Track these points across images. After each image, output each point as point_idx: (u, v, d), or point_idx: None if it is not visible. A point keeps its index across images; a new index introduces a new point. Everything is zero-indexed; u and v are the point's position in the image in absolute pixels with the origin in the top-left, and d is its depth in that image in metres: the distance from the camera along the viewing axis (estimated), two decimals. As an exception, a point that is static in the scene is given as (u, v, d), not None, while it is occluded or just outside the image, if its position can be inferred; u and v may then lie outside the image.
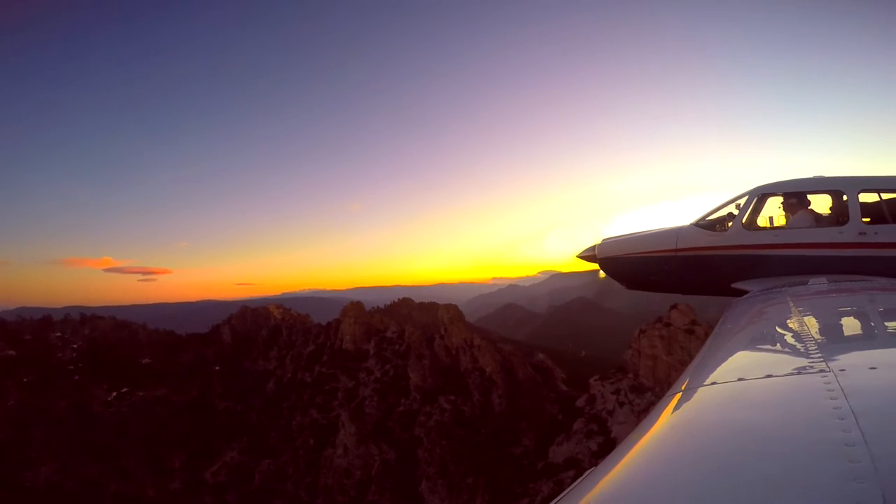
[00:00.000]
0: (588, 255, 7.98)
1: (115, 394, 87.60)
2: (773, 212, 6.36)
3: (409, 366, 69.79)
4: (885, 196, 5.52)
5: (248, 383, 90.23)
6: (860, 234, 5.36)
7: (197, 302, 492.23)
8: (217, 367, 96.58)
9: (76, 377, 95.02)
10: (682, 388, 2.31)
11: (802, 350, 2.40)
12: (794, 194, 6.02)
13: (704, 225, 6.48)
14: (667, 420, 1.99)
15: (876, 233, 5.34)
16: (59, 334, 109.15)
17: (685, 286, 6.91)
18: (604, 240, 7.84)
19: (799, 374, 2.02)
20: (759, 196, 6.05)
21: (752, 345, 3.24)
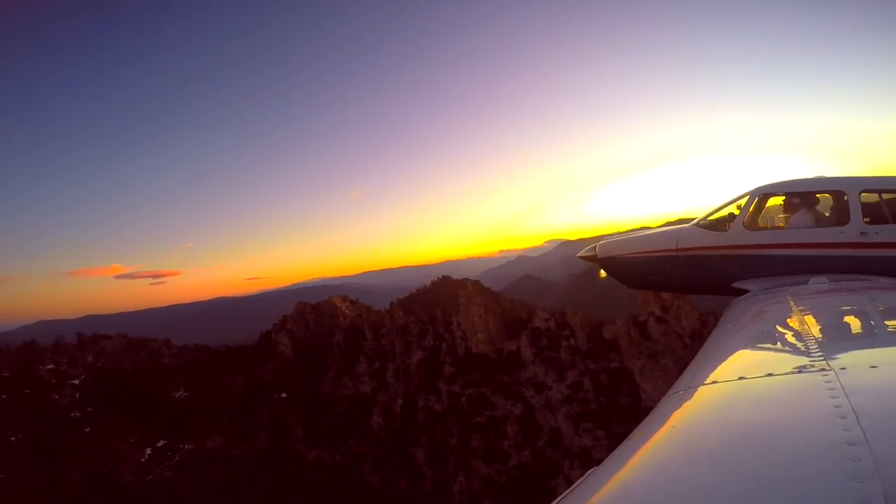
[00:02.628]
0: (589, 256, 7.82)
1: (149, 451, 60.89)
2: (774, 212, 6.36)
3: (639, 370, 43.53)
4: (886, 196, 5.51)
5: (339, 417, 63.79)
6: (861, 234, 5.33)
7: (210, 300, 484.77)
8: (283, 395, 69.90)
9: (86, 429, 67.43)
10: (683, 387, 2.29)
11: (803, 349, 2.38)
12: (796, 194, 5.95)
13: (705, 225, 6.39)
14: (668, 419, 1.97)
15: (877, 233, 5.32)
16: (50, 366, 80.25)
17: (686, 286, 7.00)
18: (604, 240, 7.76)
19: (800, 372, 2.01)
20: (761, 196, 5.98)
21: (752, 344, 3.25)
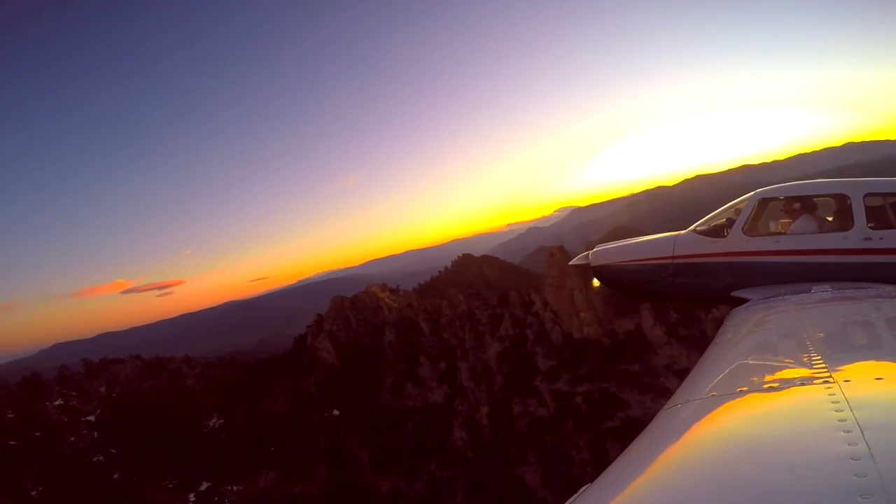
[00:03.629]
0: (581, 264, 7.45)
1: (193, 497, 49.63)
2: (775, 217, 6.15)
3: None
4: (891, 200, 5.33)
5: (411, 436, 52.25)
6: (865, 239, 5.14)
7: (220, 306, 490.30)
8: (336, 412, 58.58)
9: (115, 475, 56.62)
10: (682, 400, 2.24)
11: (806, 360, 2.34)
12: (797, 198, 5.79)
13: (703, 231, 6.19)
14: (667, 433, 1.93)
15: (881, 238, 5.13)
16: (59, 402, 69.13)
17: (683, 295, 6.68)
18: (597, 247, 7.45)
19: (802, 384, 1.98)
20: (760, 200, 5.77)
21: (753, 355, 3.17)
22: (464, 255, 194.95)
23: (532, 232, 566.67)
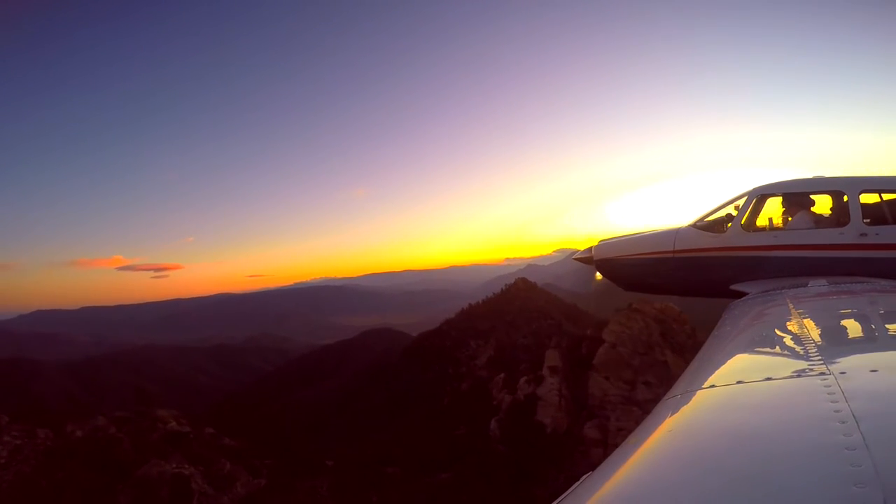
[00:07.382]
0: (584, 258, 7.94)
1: None
2: (773, 212, 6.35)
3: None
4: (886, 197, 5.51)
5: None
6: (861, 235, 5.36)
7: (212, 296, 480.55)
8: None
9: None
10: (681, 391, 2.30)
11: (802, 352, 2.41)
12: (794, 195, 5.99)
13: (703, 226, 6.42)
14: (665, 423, 1.99)
15: (877, 234, 5.34)
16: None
17: (683, 288, 7.00)
18: (600, 242, 7.79)
19: (799, 376, 2.03)
20: (759, 197, 5.98)
21: (751, 347, 3.26)
22: (521, 279, 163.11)
23: (532, 269, 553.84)
